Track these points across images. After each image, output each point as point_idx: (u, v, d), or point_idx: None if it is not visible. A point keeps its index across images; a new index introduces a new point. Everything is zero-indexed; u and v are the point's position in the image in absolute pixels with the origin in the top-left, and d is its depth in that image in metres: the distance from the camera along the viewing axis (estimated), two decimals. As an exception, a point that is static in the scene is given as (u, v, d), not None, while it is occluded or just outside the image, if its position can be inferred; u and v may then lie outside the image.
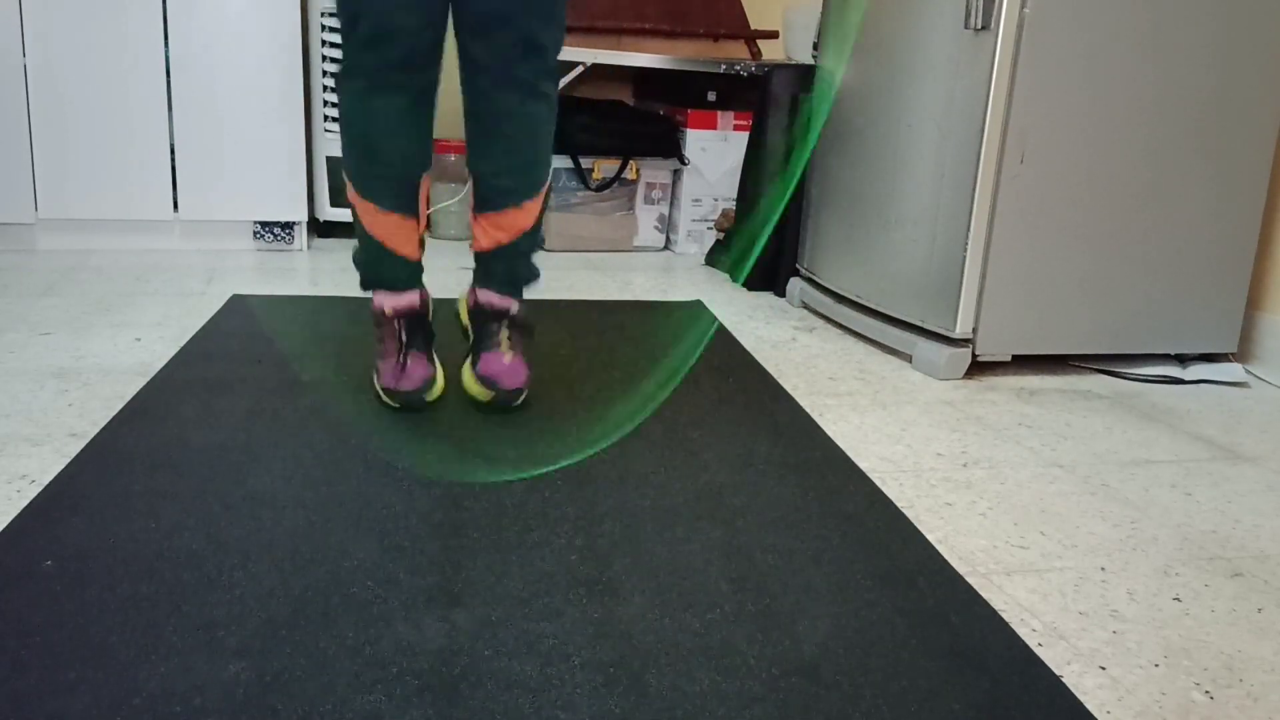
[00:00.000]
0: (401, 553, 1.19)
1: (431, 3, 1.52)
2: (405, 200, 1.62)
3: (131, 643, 0.99)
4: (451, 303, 2.29)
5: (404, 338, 1.63)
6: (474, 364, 1.65)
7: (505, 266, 1.68)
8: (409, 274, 1.66)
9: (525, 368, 1.64)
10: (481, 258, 1.70)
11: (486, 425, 1.60)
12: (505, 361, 1.62)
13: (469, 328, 1.79)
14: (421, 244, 1.69)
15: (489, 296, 1.68)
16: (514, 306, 1.68)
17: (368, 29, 1.51)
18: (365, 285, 1.69)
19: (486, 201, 1.66)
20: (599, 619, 1.08)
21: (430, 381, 1.62)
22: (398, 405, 1.62)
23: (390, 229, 1.62)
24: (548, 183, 1.69)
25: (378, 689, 0.94)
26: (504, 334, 1.66)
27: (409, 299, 1.65)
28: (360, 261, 1.68)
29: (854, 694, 0.97)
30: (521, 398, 1.66)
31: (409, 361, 1.61)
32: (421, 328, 1.66)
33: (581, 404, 1.73)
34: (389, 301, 1.64)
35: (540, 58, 1.59)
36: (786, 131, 2.60)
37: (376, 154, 1.59)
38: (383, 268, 1.65)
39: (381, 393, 1.64)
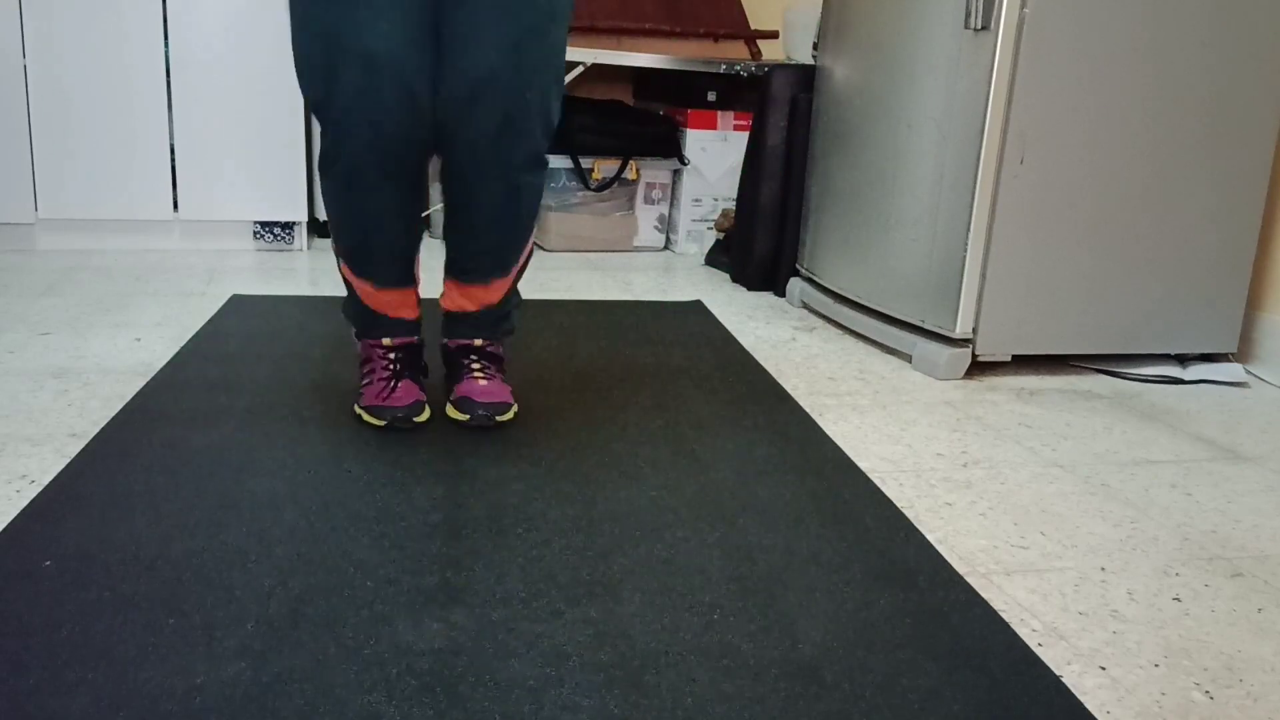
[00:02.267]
0: (401, 553, 1.19)
1: (423, 104, 1.40)
2: (402, 275, 1.56)
3: (131, 643, 0.99)
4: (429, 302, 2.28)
5: (397, 366, 1.58)
6: (451, 397, 1.61)
7: (470, 325, 1.62)
8: (408, 329, 1.61)
9: (505, 390, 1.60)
10: (447, 314, 1.64)
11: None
12: (480, 384, 1.58)
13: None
14: (418, 303, 1.62)
15: (455, 341, 1.64)
16: (480, 343, 1.62)
17: (360, 142, 1.40)
18: (360, 336, 1.62)
19: (454, 270, 1.60)
20: (599, 619, 1.08)
21: (420, 405, 1.57)
22: (383, 423, 1.55)
23: (388, 302, 1.57)
24: (521, 260, 1.60)
25: (378, 689, 0.94)
26: (475, 364, 1.62)
27: (408, 339, 1.61)
28: (354, 320, 1.62)
29: (854, 694, 0.97)
30: (506, 414, 1.58)
31: (399, 385, 1.57)
32: (416, 360, 1.63)
33: (581, 404, 1.73)
34: (386, 340, 1.59)
35: (529, 140, 1.47)
36: (786, 131, 2.60)
37: (371, 245, 1.51)
38: (378, 326, 1.59)
39: (364, 413, 1.57)
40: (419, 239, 1.57)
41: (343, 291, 2.42)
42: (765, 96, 2.59)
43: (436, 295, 2.35)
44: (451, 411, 1.59)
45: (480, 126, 1.43)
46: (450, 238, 1.58)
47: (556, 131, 1.56)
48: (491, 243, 1.55)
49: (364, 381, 1.60)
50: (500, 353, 1.66)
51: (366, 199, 1.46)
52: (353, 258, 1.54)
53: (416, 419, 1.56)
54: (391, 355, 1.59)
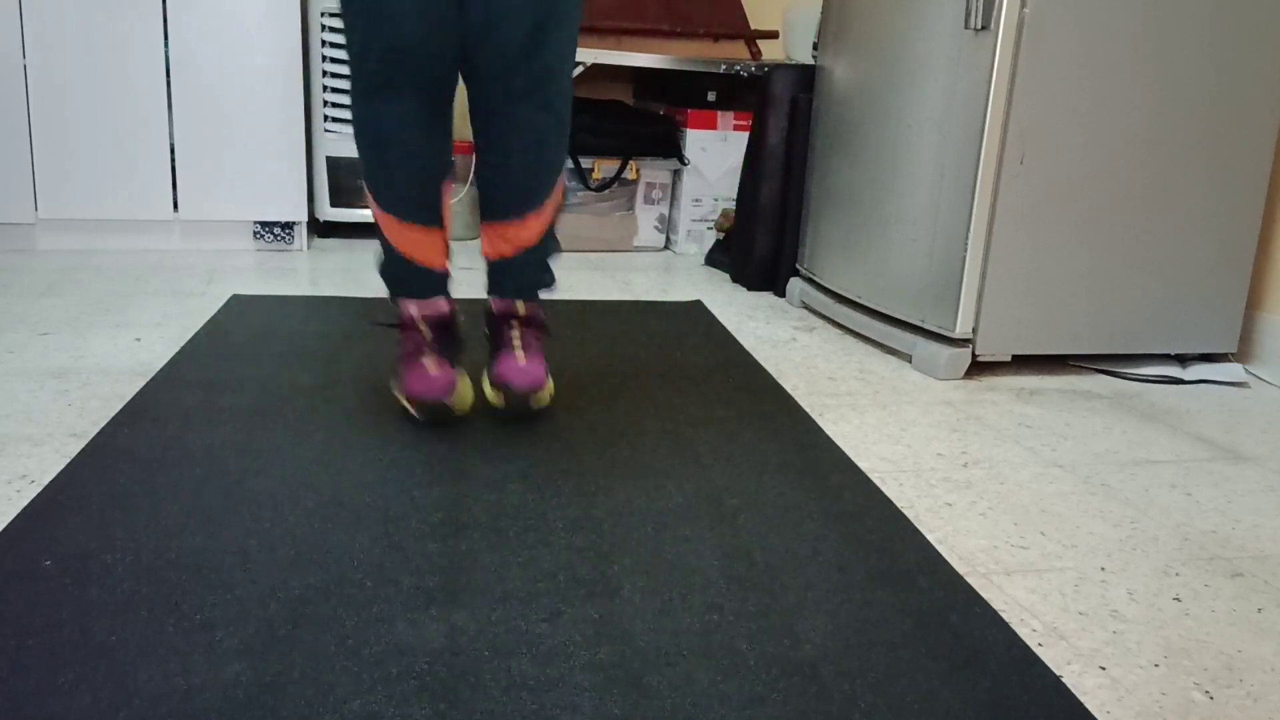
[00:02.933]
0: (401, 553, 1.19)
1: (444, 13, 1.45)
2: (427, 212, 1.56)
3: (131, 643, 0.99)
4: (471, 303, 2.29)
5: (429, 340, 1.58)
6: (489, 370, 1.62)
7: (511, 276, 1.64)
8: (435, 284, 1.60)
9: (541, 368, 1.59)
10: (489, 266, 1.66)
11: (486, 425, 1.60)
12: (518, 363, 1.58)
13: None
14: (448, 253, 1.63)
15: (497, 302, 1.65)
16: (522, 307, 1.64)
17: (380, 47, 1.45)
18: (392, 295, 1.63)
19: (488, 211, 1.61)
20: (599, 619, 1.08)
21: (454, 388, 1.57)
22: (424, 418, 1.57)
23: (413, 241, 1.57)
24: (554, 197, 1.62)
25: (378, 689, 0.94)
26: (515, 334, 1.62)
27: (436, 306, 1.60)
28: (385, 272, 1.63)
29: (854, 694, 0.97)
30: (542, 400, 1.62)
31: (433, 363, 1.56)
32: (448, 334, 1.62)
33: (581, 404, 1.73)
34: (415, 308, 1.59)
35: (545, 63, 1.51)
36: (786, 131, 2.60)
37: (394, 165, 1.52)
38: (408, 278, 1.59)
39: (406, 404, 1.60)
40: (446, 170, 1.57)
41: (343, 291, 2.42)
42: (765, 96, 2.59)
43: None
44: (490, 393, 1.63)
45: (506, 36, 1.46)
46: (481, 174, 1.59)
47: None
48: (521, 171, 1.56)
49: (399, 355, 1.61)
50: (542, 319, 1.66)
51: (391, 118, 1.48)
52: (378, 183, 1.54)
53: (455, 408, 1.59)
54: (423, 329, 1.58)
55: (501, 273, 1.64)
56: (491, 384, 1.61)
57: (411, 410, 1.59)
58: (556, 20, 1.49)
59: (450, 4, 1.45)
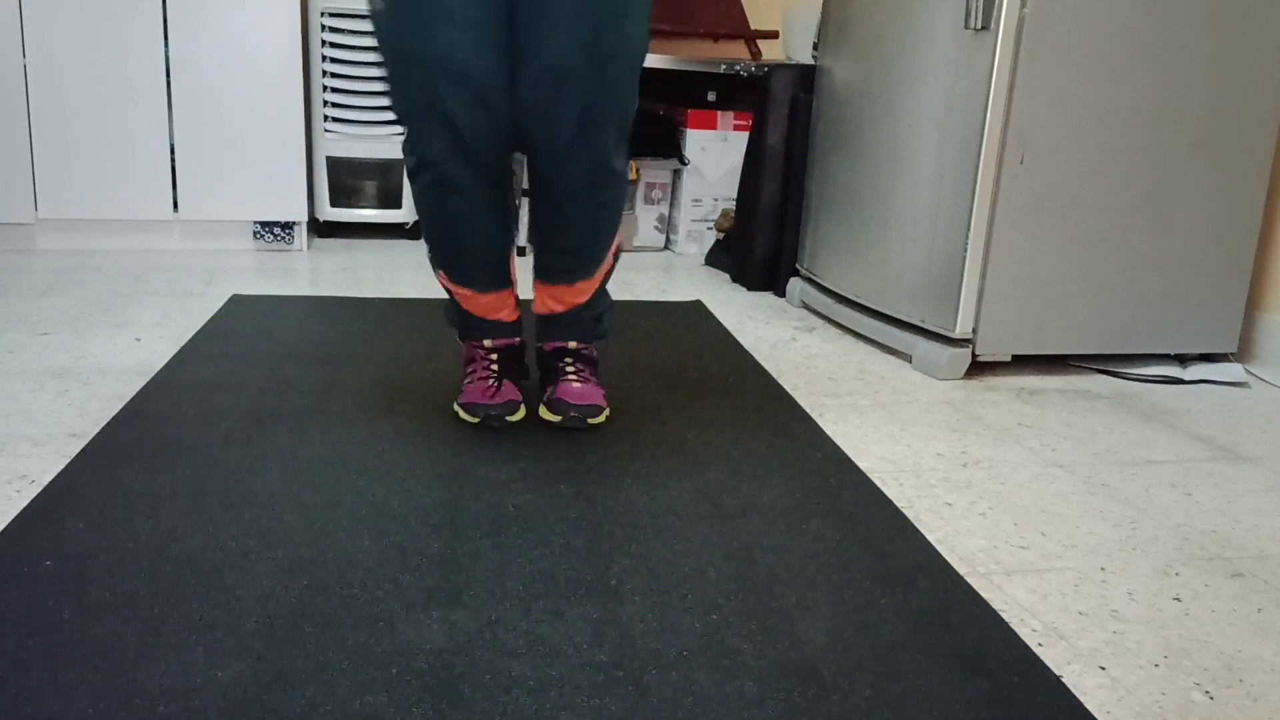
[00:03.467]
0: (401, 553, 1.19)
1: (499, 113, 1.42)
2: (499, 279, 1.59)
3: (131, 643, 0.99)
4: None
5: (497, 368, 1.62)
6: (546, 399, 1.63)
7: (562, 327, 1.65)
8: (509, 330, 1.65)
9: (598, 393, 1.61)
10: (538, 318, 1.67)
11: (486, 426, 1.60)
12: (575, 387, 1.60)
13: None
14: (516, 304, 1.65)
15: (548, 345, 1.67)
16: (574, 345, 1.65)
17: (442, 150, 1.43)
18: (464, 338, 1.67)
19: (541, 273, 1.62)
20: (599, 619, 1.08)
21: (515, 404, 1.60)
22: (477, 420, 1.59)
23: (487, 305, 1.60)
24: (607, 262, 1.62)
25: (378, 690, 0.94)
26: (569, 366, 1.64)
27: (510, 339, 1.65)
28: (457, 324, 1.66)
29: (854, 694, 0.97)
30: (599, 417, 1.61)
31: (501, 385, 1.60)
32: (517, 362, 1.67)
33: (581, 404, 1.73)
34: (488, 341, 1.64)
35: (607, 135, 1.48)
36: (786, 131, 2.60)
37: (465, 247, 1.54)
38: (481, 329, 1.63)
39: (461, 410, 1.60)
40: (512, 240, 1.60)
41: (343, 291, 2.42)
42: (765, 96, 2.59)
43: (531, 298, 2.35)
44: (544, 412, 1.62)
45: (559, 122, 1.43)
46: (536, 239, 1.60)
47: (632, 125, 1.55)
48: (575, 241, 1.56)
49: (466, 380, 1.64)
50: (594, 355, 1.68)
51: (453, 203, 1.49)
52: (447, 263, 1.56)
53: (510, 418, 1.59)
54: (494, 356, 1.63)
55: (552, 325, 1.66)
56: (547, 405, 1.62)
57: (464, 415, 1.60)
58: (608, 110, 1.46)
59: (503, 100, 1.41)
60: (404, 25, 1.38)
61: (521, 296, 1.64)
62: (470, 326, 1.64)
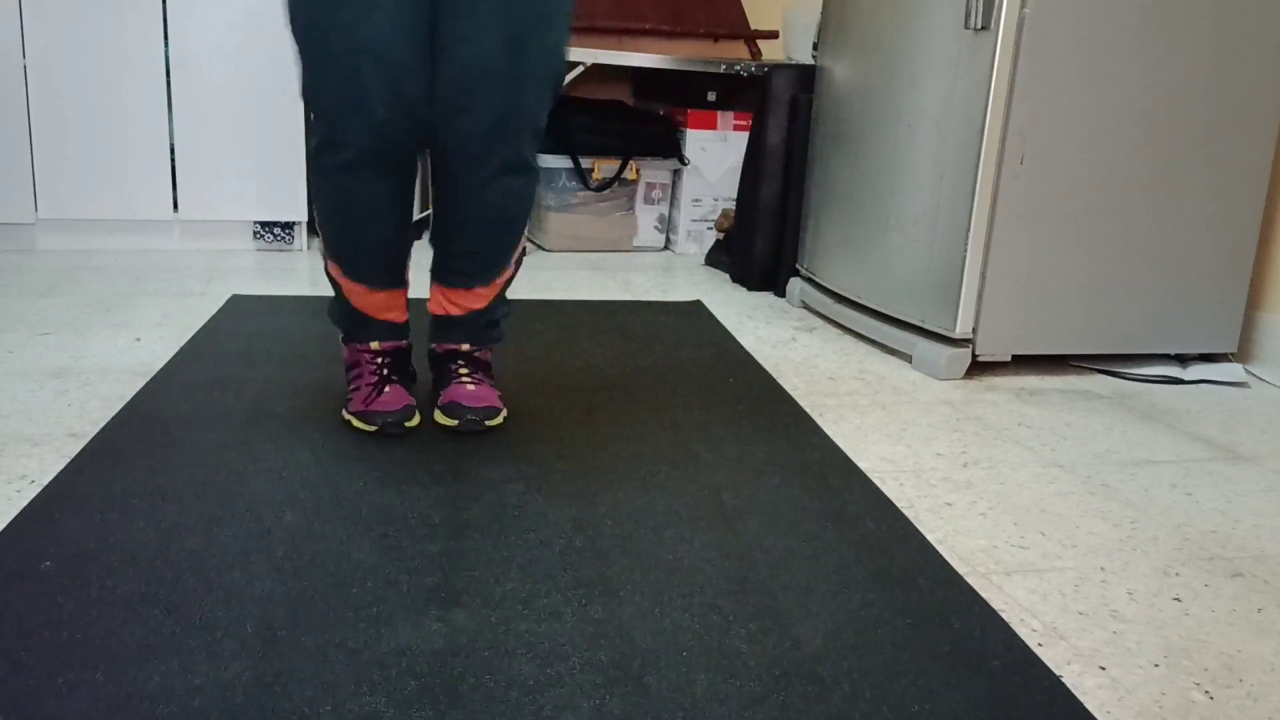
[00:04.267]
0: (401, 553, 1.19)
1: (414, 101, 1.39)
2: (393, 277, 1.55)
3: (131, 644, 0.99)
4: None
5: (385, 371, 1.57)
6: (438, 403, 1.58)
7: (456, 331, 1.61)
8: (395, 333, 1.60)
9: (492, 393, 1.58)
10: (433, 318, 1.62)
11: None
12: (468, 389, 1.56)
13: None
14: (406, 306, 1.61)
15: (442, 346, 1.63)
16: (468, 348, 1.61)
17: (350, 134, 1.40)
18: (347, 340, 1.61)
19: (440, 274, 1.58)
20: (599, 620, 1.08)
21: (410, 409, 1.54)
22: (374, 428, 1.53)
23: (378, 303, 1.55)
24: (510, 269, 1.58)
25: (377, 690, 0.94)
26: (463, 369, 1.60)
27: (397, 342, 1.60)
28: (342, 324, 1.60)
29: (854, 694, 0.97)
30: (496, 418, 1.56)
31: (387, 389, 1.55)
32: (404, 365, 1.62)
33: (581, 404, 1.73)
34: (374, 344, 1.58)
35: (520, 142, 1.46)
36: (786, 131, 2.60)
37: (362, 239, 1.49)
38: (367, 330, 1.58)
39: (354, 418, 1.55)
40: (411, 239, 1.56)
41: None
42: (765, 96, 2.59)
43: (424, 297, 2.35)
44: (440, 417, 1.56)
45: (473, 123, 1.42)
46: (437, 240, 1.57)
47: (553, 132, 1.52)
48: (477, 246, 1.53)
49: (351, 387, 1.59)
50: (488, 359, 1.65)
51: (358, 194, 1.45)
52: (342, 256, 1.52)
53: (407, 423, 1.53)
54: (379, 360, 1.58)
55: (446, 326, 1.61)
56: (440, 409, 1.56)
57: (358, 423, 1.54)
58: (528, 105, 1.44)
59: (421, 92, 1.39)
60: (323, 4, 1.35)
61: (412, 296, 1.61)
62: (357, 326, 1.58)
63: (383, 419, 1.52)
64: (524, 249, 1.61)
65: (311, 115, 1.43)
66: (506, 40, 1.39)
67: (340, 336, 1.62)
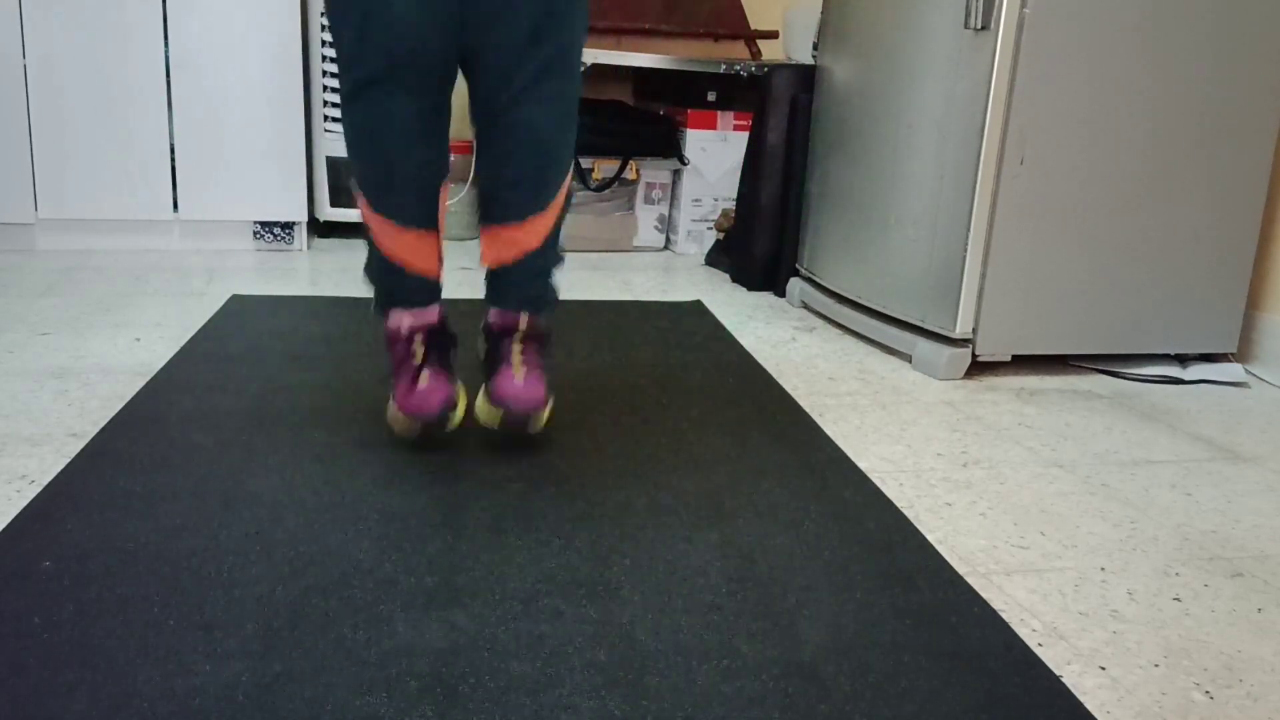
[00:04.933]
0: (401, 553, 1.19)
1: (444, 5, 1.37)
2: (425, 214, 1.47)
3: (131, 644, 0.99)
4: (453, 303, 2.29)
5: (423, 354, 1.49)
6: (487, 387, 1.51)
7: (512, 285, 1.53)
8: (429, 292, 1.52)
9: (541, 387, 1.49)
10: (489, 275, 1.55)
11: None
12: (517, 381, 1.48)
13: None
14: (440, 258, 1.53)
15: (496, 315, 1.54)
16: (524, 320, 1.53)
17: (376, 43, 1.37)
18: (380, 305, 1.54)
19: (487, 214, 1.52)
20: (599, 619, 1.08)
21: (450, 404, 1.47)
22: (415, 434, 1.48)
23: (409, 246, 1.48)
24: (558, 199, 1.51)
25: (378, 690, 0.94)
26: (515, 349, 1.52)
27: (429, 315, 1.51)
28: (375, 280, 1.53)
29: (854, 694, 0.97)
30: (540, 421, 1.50)
31: (429, 377, 1.47)
32: (442, 343, 1.53)
33: (581, 404, 1.73)
34: (406, 320, 1.50)
35: (551, 56, 1.42)
36: (786, 131, 2.60)
37: (391, 167, 1.43)
38: (402, 287, 1.50)
39: (395, 422, 1.50)
40: (445, 171, 1.49)
41: (343, 291, 2.41)
42: (765, 96, 2.59)
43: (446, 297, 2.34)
44: (482, 407, 1.50)
45: (511, 25, 1.37)
46: (482, 173, 1.50)
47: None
48: (524, 169, 1.46)
49: (392, 370, 1.52)
50: (545, 331, 1.55)
51: (386, 112, 1.40)
52: (372, 186, 1.45)
53: (449, 424, 1.48)
54: (413, 339, 1.50)
55: (502, 281, 1.53)
56: (491, 401, 1.49)
57: (398, 429, 1.50)
58: (561, 13, 1.41)
59: (453, 8, 1.37)
60: None
61: (466, 267, 1.60)
62: (390, 283, 1.50)
63: (425, 421, 1.46)
64: (570, 187, 1.55)
65: (338, 35, 1.40)
66: None
67: (374, 306, 1.55)
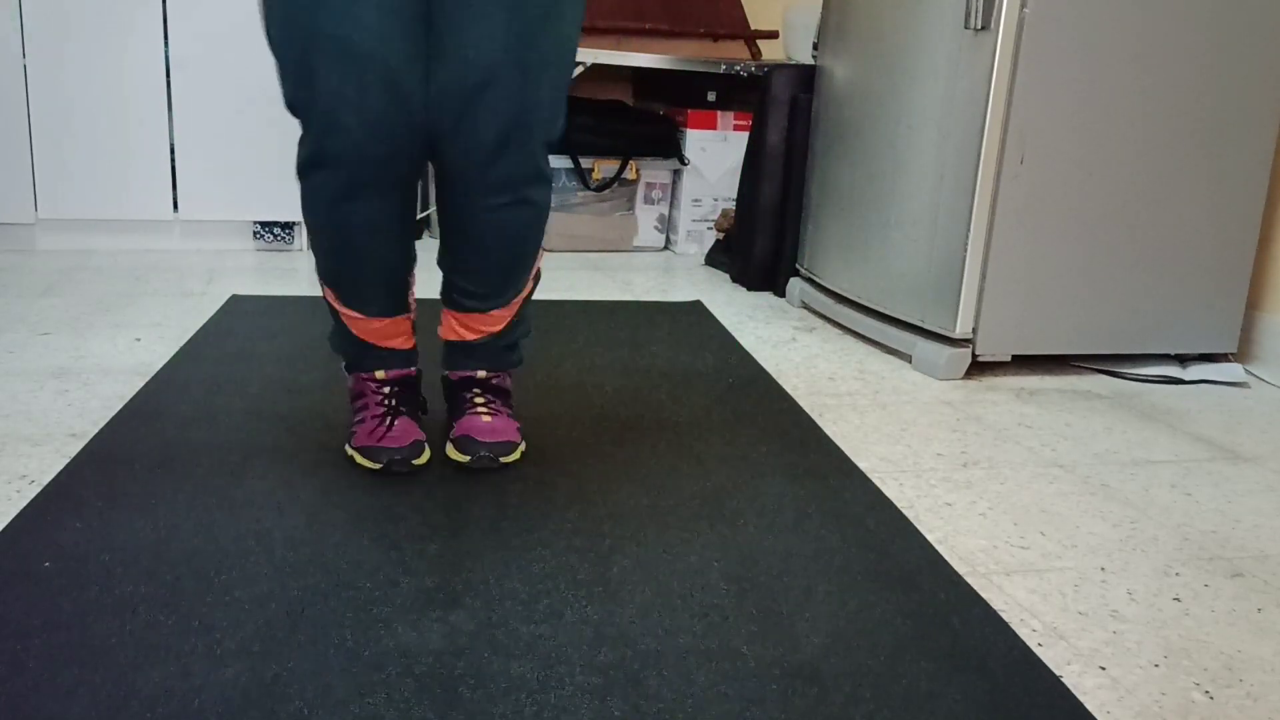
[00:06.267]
0: (401, 554, 1.19)
1: (412, 119, 1.26)
2: (395, 304, 1.41)
3: (130, 644, 0.99)
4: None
5: (392, 402, 1.44)
6: (451, 433, 1.46)
7: (471, 358, 1.49)
8: (401, 360, 1.46)
9: (510, 425, 1.46)
10: (445, 345, 1.50)
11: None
12: (482, 421, 1.44)
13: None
14: (413, 331, 1.48)
15: (456, 373, 1.50)
16: (484, 374, 1.49)
17: (346, 154, 1.26)
18: (349, 369, 1.49)
19: (450, 300, 1.45)
20: (599, 620, 1.08)
21: (419, 445, 1.41)
22: (379, 466, 1.39)
23: (380, 331, 1.42)
24: (526, 290, 1.46)
25: (377, 691, 0.94)
26: (478, 398, 1.48)
27: (403, 370, 1.47)
28: (342, 352, 1.47)
29: (854, 695, 0.97)
30: (511, 455, 1.44)
31: (396, 423, 1.42)
32: (413, 395, 1.49)
33: (581, 405, 1.73)
34: (380, 372, 1.46)
35: (532, 149, 1.32)
36: (786, 131, 2.60)
37: (363, 268, 1.35)
38: (373, 360, 1.45)
39: (357, 454, 1.41)
40: (412, 261, 1.42)
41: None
42: (765, 96, 2.59)
43: (433, 297, 2.35)
44: (452, 452, 1.43)
45: (478, 132, 1.28)
46: (446, 262, 1.44)
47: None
48: (490, 268, 1.40)
49: (356, 419, 1.46)
50: (507, 386, 1.52)
51: (351, 214, 1.30)
52: (339, 283, 1.38)
53: (415, 461, 1.40)
54: (386, 390, 1.45)
55: (459, 352, 1.49)
56: (452, 442, 1.44)
57: (361, 459, 1.42)
58: (526, 119, 1.30)
59: (419, 94, 1.25)
60: (307, 2, 1.21)
61: (421, 298, 1.57)
62: (360, 356, 1.45)
63: (389, 456, 1.39)
64: (539, 269, 1.49)
65: (302, 126, 1.29)
66: (512, 39, 1.25)
67: (343, 365, 1.50)
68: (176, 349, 1.93)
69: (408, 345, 1.47)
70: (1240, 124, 2.02)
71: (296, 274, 2.58)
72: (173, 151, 2.72)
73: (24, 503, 1.28)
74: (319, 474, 1.40)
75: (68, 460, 1.41)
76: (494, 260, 1.40)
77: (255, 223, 2.85)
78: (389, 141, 1.26)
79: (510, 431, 1.45)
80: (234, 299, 2.28)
